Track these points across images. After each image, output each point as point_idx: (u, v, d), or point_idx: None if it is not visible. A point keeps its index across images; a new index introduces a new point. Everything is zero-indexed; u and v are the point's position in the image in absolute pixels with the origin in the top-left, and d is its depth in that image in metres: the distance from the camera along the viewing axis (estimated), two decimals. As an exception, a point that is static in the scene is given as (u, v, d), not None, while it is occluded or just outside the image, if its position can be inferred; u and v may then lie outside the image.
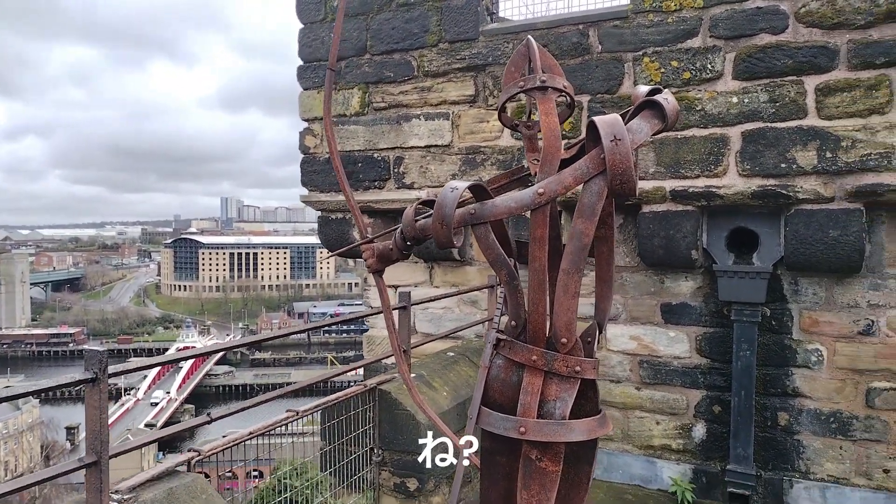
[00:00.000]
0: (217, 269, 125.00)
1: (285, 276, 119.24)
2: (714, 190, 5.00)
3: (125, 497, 2.39)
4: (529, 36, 2.79)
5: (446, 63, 5.93)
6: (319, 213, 6.53)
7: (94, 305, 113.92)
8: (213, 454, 2.80)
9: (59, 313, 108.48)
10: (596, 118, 2.47)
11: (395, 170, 6.15)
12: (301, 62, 6.58)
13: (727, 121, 4.97)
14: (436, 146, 5.99)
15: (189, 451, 2.74)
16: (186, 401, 69.00)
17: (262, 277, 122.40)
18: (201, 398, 71.50)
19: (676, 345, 5.58)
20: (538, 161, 2.72)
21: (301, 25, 6.55)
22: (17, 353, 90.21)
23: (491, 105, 5.74)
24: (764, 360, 5.25)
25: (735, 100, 4.94)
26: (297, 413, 3.35)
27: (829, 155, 4.68)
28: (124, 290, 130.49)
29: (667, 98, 2.58)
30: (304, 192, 6.70)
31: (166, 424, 47.76)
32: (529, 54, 2.81)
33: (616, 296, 5.77)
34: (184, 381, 72.77)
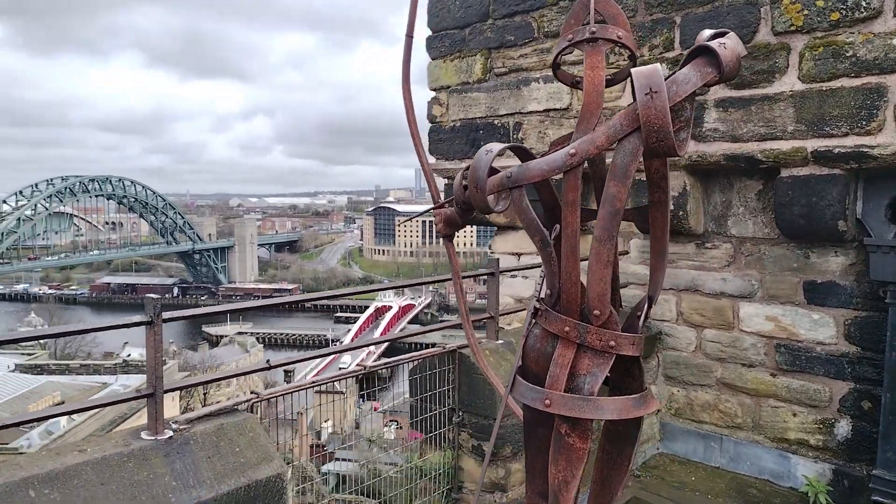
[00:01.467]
0: (411, 236, 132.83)
1: (471, 244, 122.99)
2: (866, 150, 4.25)
3: (181, 427, 2.74)
4: None
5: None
6: (445, 180, 6.66)
7: (308, 265, 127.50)
8: (273, 397, 3.09)
9: (280, 271, 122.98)
10: (634, 69, 2.28)
11: (515, 135, 6.05)
12: (430, 32, 6.70)
13: (885, 67, 4.17)
14: (554, 110, 5.78)
15: (251, 392, 3.06)
16: (383, 354, 74.76)
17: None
18: (396, 352, 77.13)
19: (821, 329, 4.89)
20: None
21: (430, -5, 6.65)
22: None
23: (612, 63, 5.38)
24: (931, 353, 4.42)
25: (895, 41, 4.13)
26: (365, 367, 3.55)
27: None
28: (333, 252, 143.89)
29: (724, 43, 2.32)
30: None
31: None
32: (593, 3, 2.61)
33: (752, 270, 5.20)
34: (382, 333, 78.87)
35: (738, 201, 5.24)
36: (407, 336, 5.66)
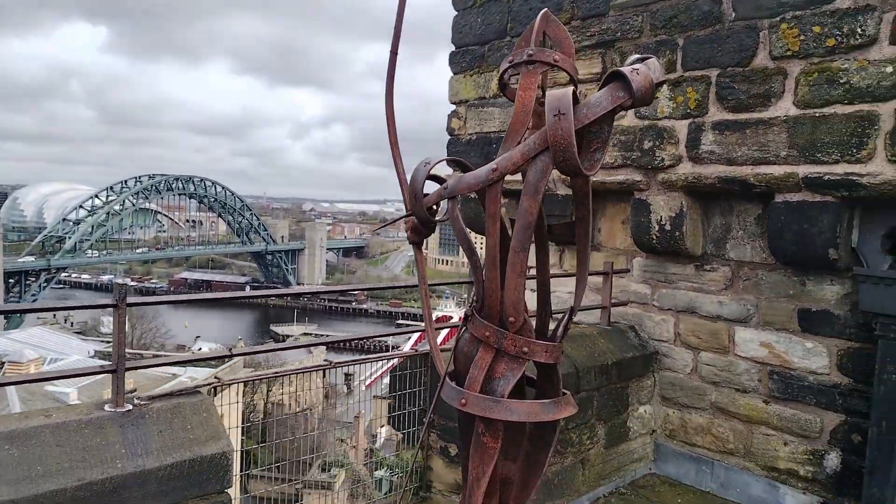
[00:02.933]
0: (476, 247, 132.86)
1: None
2: (855, 178, 4.18)
3: (142, 402, 3.04)
4: (546, 9, 2.73)
5: (576, 41, 5.77)
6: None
7: (373, 271, 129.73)
8: (234, 384, 3.37)
9: (346, 276, 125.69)
10: (549, 91, 2.43)
11: (524, 151, 6.18)
12: (453, 48, 6.93)
13: (878, 95, 4.09)
14: (561, 127, 5.88)
15: (215, 377, 3.34)
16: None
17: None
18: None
19: (813, 358, 4.79)
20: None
21: (455, 13, 6.89)
22: (314, 306, 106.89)
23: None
24: (921, 389, 4.27)
25: (890, 69, 4.04)
26: (331, 363, 3.79)
27: None
28: (398, 260, 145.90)
29: (637, 69, 2.43)
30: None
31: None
32: (537, 26, 2.72)
33: (749, 295, 5.15)
34: (443, 341, 79.27)
35: (738, 225, 5.20)
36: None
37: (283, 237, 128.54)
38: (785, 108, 4.54)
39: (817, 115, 4.36)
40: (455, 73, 6.92)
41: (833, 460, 4.69)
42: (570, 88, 2.41)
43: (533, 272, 2.85)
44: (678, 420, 5.62)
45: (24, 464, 2.56)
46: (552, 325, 2.74)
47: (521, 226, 2.47)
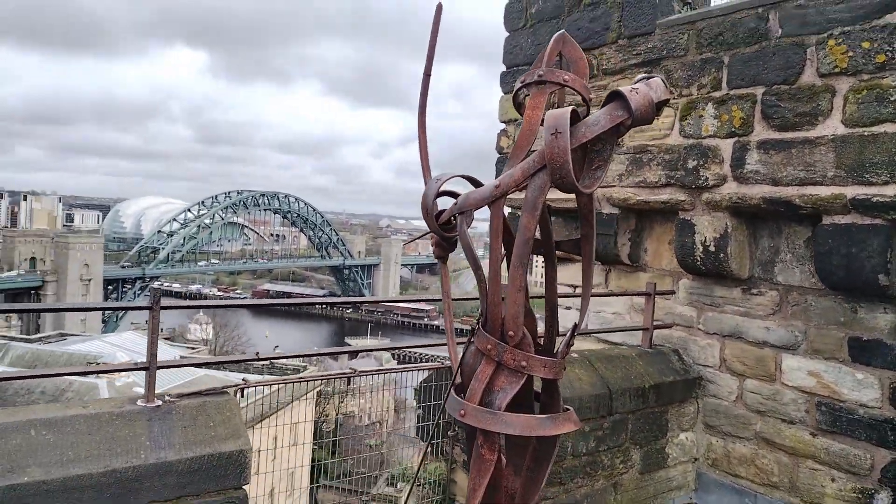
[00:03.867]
0: (541, 266, 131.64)
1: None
2: (906, 200, 3.97)
3: (171, 399, 3.27)
4: (564, 31, 2.79)
5: (623, 60, 5.75)
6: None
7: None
8: (260, 385, 3.55)
9: (419, 291, 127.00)
10: (549, 111, 2.50)
11: (569, 170, 6.17)
12: (504, 68, 7.03)
13: (931, 113, 3.89)
14: (605, 146, 5.85)
15: (243, 379, 3.54)
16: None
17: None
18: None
19: (864, 389, 4.53)
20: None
21: (507, 34, 7.00)
22: (388, 321, 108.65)
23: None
24: (982, 428, 3.97)
25: (944, 85, 3.83)
26: (355, 371, 3.91)
27: None
28: (469, 278, 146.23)
29: (636, 88, 2.47)
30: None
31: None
32: (551, 47, 2.77)
33: (797, 321, 4.93)
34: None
35: (786, 248, 5.00)
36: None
37: (359, 252, 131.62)
38: (833, 126, 4.37)
39: (866, 134, 4.17)
40: (505, 93, 7.01)
41: (884, 501, 4.40)
42: (570, 108, 2.46)
43: (577, 289, 2.88)
44: (721, 449, 5.41)
45: (57, 449, 2.82)
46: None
47: (519, 241, 2.53)
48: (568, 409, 2.68)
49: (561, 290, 6.55)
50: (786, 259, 5.01)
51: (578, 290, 6.46)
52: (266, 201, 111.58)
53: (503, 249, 2.80)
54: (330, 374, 4.36)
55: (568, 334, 2.74)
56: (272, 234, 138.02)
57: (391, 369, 4.17)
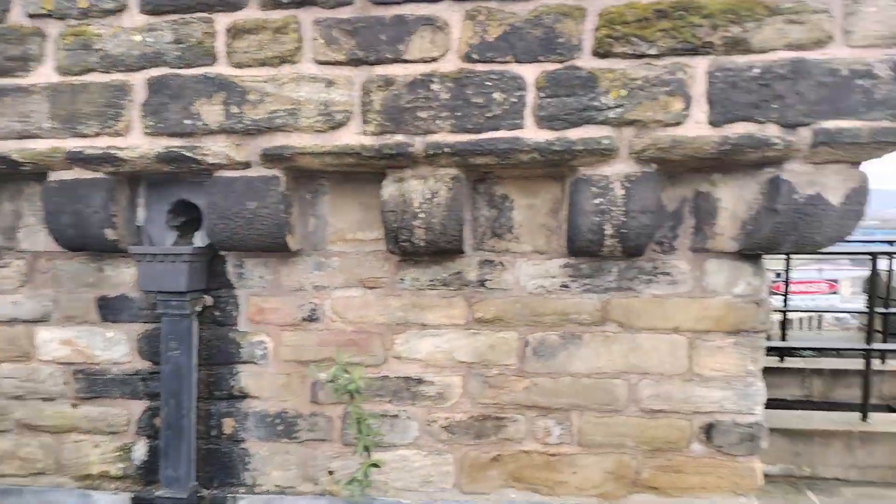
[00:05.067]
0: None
1: None
2: (116, 152, 3.97)
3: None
4: None
5: None
6: None
7: None
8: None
9: None
10: None
11: None
12: None
13: (130, 64, 3.97)
14: None
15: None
16: None
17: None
18: None
19: (115, 347, 4.48)
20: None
21: None
22: None
23: None
24: (209, 359, 4.38)
25: (139, 38, 3.97)
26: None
27: (235, 110, 3.91)
28: None
29: None
30: None
31: None
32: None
33: (47, 290, 4.52)
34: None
35: (29, 210, 4.52)
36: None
37: None
38: (47, 74, 4.06)
39: (77, 83, 4.01)
40: None
41: (140, 450, 4.47)
42: None
43: None
44: (-19, 451, 4.62)
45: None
46: None
47: None
48: None
49: None
50: (29, 223, 4.52)
51: None
52: None
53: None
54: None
55: None
56: None
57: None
